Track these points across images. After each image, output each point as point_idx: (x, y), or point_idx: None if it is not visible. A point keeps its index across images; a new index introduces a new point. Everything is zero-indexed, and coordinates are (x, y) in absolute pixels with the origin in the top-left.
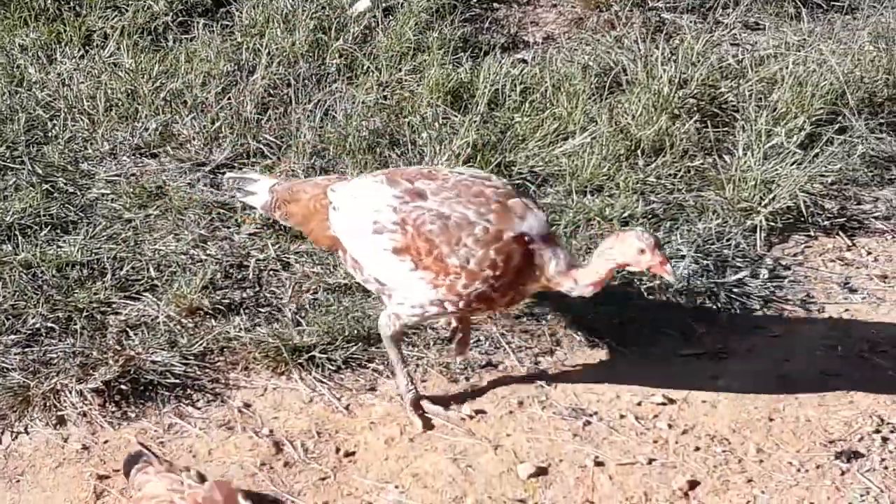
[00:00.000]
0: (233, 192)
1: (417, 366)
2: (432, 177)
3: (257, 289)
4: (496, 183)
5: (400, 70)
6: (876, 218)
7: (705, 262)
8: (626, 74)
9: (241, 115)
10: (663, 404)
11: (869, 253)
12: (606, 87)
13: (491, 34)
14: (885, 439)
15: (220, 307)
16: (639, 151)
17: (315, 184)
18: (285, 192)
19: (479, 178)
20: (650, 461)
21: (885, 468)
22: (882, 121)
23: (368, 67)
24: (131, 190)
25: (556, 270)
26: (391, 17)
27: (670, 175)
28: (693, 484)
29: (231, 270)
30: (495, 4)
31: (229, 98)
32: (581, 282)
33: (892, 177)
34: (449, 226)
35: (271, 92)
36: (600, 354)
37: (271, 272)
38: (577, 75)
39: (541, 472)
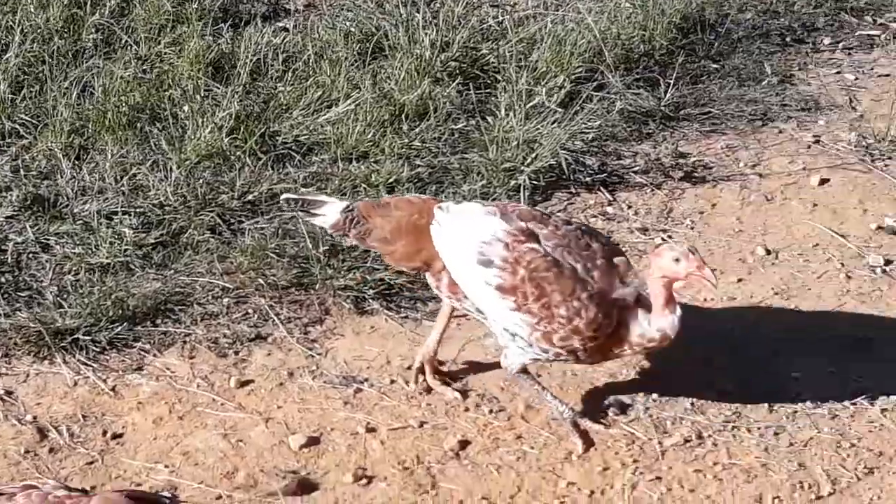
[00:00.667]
0: (295, 212)
1: (185, 343)
2: (544, 221)
3: (16, 273)
4: (602, 239)
5: (159, 43)
6: (635, 172)
7: None
8: (389, 40)
9: None
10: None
11: (629, 207)
12: (369, 53)
13: (251, 3)
14: (648, 389)
15: None
16: (403, 116)
17: (409, 201)
18: (371, 207)
19: (586, 231)
20: (421, 424)
21: (650, 416)
22: (638, 76)
23: (126, 41)
24: None
25: (639, 335)
26: None
27: (435, 138)
28: (464, 444)
29: None
30: None
31: None
32: (659, 320)
33: (650, 131)
34: (564, 274)
35: (26, 70)
36: (370, 321)
37: (31, 255)
38: (339, 42)
39: (313, 441)
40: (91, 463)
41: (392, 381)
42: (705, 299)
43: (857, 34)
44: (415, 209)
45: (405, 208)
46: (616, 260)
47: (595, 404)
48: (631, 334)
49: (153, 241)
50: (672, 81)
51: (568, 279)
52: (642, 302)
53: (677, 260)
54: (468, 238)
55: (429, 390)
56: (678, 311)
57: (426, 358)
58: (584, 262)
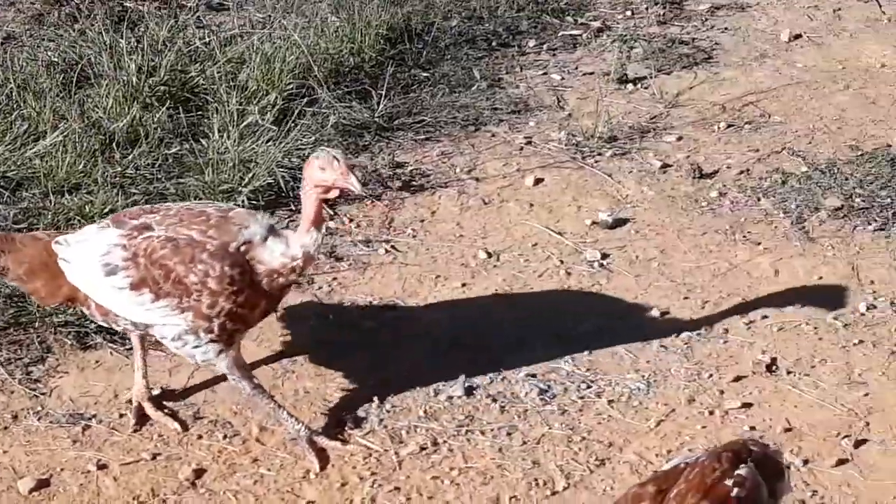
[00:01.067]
0: None
1: None
2: (155, 210)
3: None
4: (219, 205)
5: None
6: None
7: None
8: (94, 68)
9: None
10: (162, 398)
11: (351, 220)
12: (74, 83)
13: None
14: (381, 400)
15: None
16: (114, 144)
17: (34, 238)
18: (3, 241)
19: (203, 203)
20: (154, 456)
21: (384, 427)
22: (349, 89)
23: None
24: None
25: (281, 256)
26: None
27: (148, 165)
28: (199, 472)
29: None
30: None
31: None
32: (301, 238)
33: (366, 143)
34: (179, 246)
35: None
36: (94, 356)
37: None
38: (42, 73)
39: (42, 484)
40: None
41: (121, 416)
42: (431, 306)
43: (559, 35)
44: (40, 247)
45: (31, 246)
46: (232, 213)
47: (330, 420)
48: (272, 262)
49: None
50: (384, 92)
51: (185, 247)
52: (277, 232)
53: (323, 168)
54: (91, 258)
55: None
56: (323, 229)
57: (140, 396)
58: (199, 227)
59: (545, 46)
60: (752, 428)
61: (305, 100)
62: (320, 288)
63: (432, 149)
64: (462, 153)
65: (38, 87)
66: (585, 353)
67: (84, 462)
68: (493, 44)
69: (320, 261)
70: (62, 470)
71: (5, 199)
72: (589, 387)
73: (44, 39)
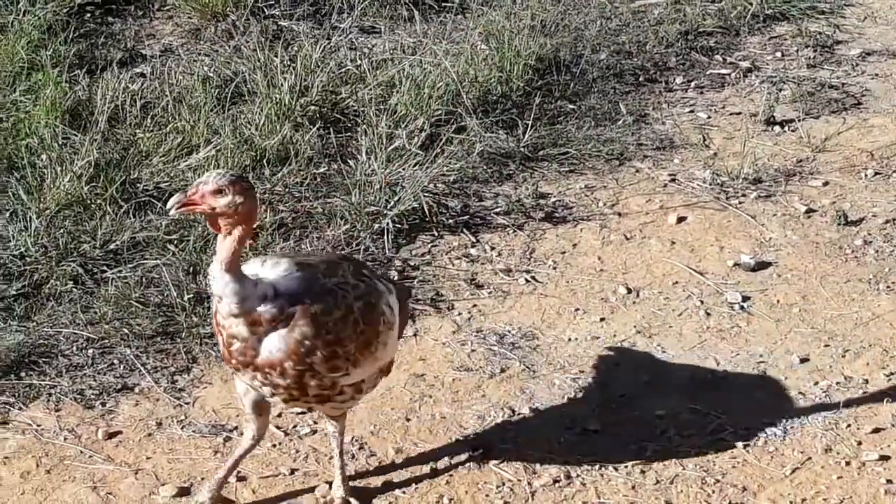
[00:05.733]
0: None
1: (50, 395)
2: None
3: None
4: None
5: (14, 91)
6: (497, 213)
7: None
8: (247, 84)
9: None
10: (302, 413)
11: (493, 248)
12: (228, 98)
13: (107, 49)
14: (516, 430)
15: None
16: (264, 161)
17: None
18: None
19: None
20: (292, 471)
21: (518, 458)
22: (496, 118)
23: None
24: None
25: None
26: (1, 37)
27: (297, 183)
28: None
29: None
30: (110, 18)
31: None
32: (217, 269)
33: (510, 172)
34: None
35: None
36: None
37: None
38: (197, 87)
39: (183, 492)
40: None
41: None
42: (569, 339)
43: (707, 73)
44: None
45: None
46: None
47: (464, 447)
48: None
49: (14, 292)
50: (530, 122)
51: None
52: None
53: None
54: None
55: None
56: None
57: None
58: None
59: (693, 84)
60: (889, 481)
61: (453, 126)
62: (460, 314)
63: (576, 181)
64: (605, 187)
65: (193, 100)
66: (722, 395)
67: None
68: (641, 79)
69: (461, 287)
70: (202, 479)
71: (158, 210)
72: (724, 429)
73: (200, 54)
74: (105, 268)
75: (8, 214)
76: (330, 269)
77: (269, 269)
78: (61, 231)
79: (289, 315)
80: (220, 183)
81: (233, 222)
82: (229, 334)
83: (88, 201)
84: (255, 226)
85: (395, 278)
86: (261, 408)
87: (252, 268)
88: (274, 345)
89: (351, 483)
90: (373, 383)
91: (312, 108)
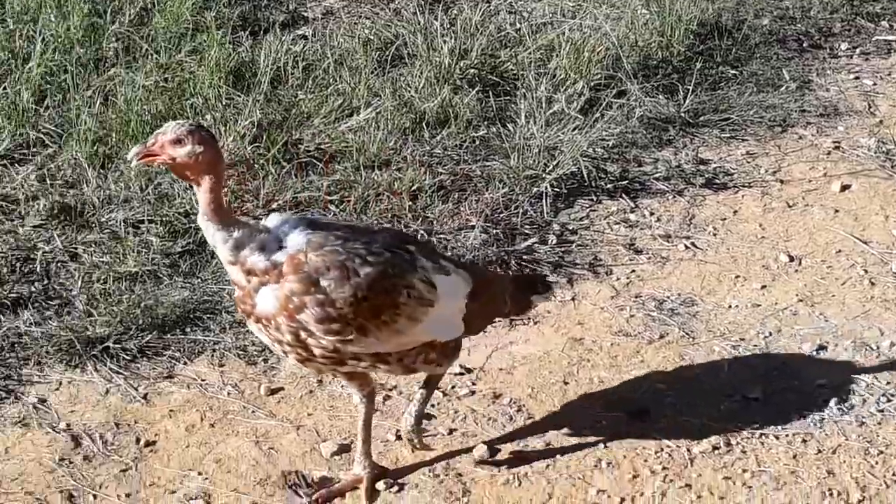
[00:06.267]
0: None
1: (214, 351)
2: None
3: (46, 281)
4: None
5: (179, 51)
6: (657, 179)
7: (495, 230)
8: (407, 47)
9: (17, 105)
10: (461, 374)
11: (651, 213)
12: (388, 61)
13: (270, 11)
14: (676, 396)
15: (8, 302)
16: (424, 124)
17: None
18: None
19: None
20: (450, 431)
21: (677, 423)
22: (657, 83)
23: (147, 50)
24: None
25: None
26: None
27: (456, 146)
28: (494, 451)
29: (17, 264)
30: None
31: (4, 87)
32: (202, 220)
33: (670, 138)
34: None
35: (48, 79)
36: None
37: (59, 264)
38: (358, 50)
39: (343, 449)
40: (125, 470)
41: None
42: (730, 306)
43: (874, 39)
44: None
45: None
46: None
47: (620, 412)
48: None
49: (180, 249)
50: (691, 88)
51: None
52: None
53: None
54: None
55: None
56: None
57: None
58: None
59: (858, 50)
60: None
61: (613, 91)
62: (618, 279)
63: (737, 148)
64: (767, 154)
65: (354, 63)
66: (887, 365)
67: (383, 431)
68: (804, 45)
69: (619, 252)
70: (356, 436)
71: (319, 170)
72: (889, 400)
73: (360, 17)
74: None
75: None
76: (351, 234)
77: (284, 224)
78: (225, 190)
79: (280, 269)
80: (179, 132)
81: (197, 173)
82: (232, 281)
83: (252, 161)
84: (225, 175)
85: (554, 242)
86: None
87: (271, 221)
88: (267, 297)
89: (508, 445)
90: (415, 361)
91: (472, 71)
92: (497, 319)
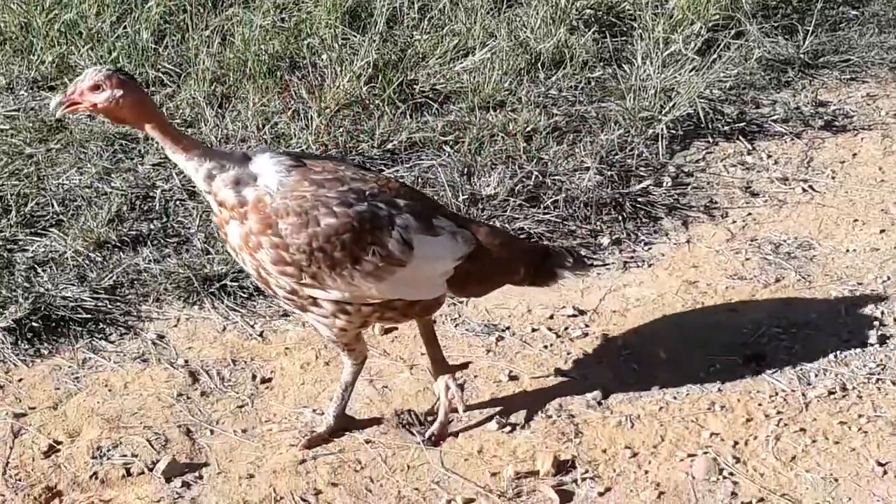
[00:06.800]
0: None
1: None
2: None
3: (164, 220)
4: None
5: None
6: (774, 121)
7: (609, 172)
8: None
9: (137, 44)
10: (574, 316)
11: (769, 156)
12: (504, 2)
13: None
14: (791, 341)
15: (128, 239)
16: (539, 65)
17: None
18: None
19: None
20: (563, 373)
21: (792, 368)
22: (776, 24)
23: None
24: (31, 124)
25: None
26: None
27: (571, 87)
28: (606, 393)
29: (137, 202)
30: None
31: (125, 27)
32: (170, 154)
33: (789, 79)
34: None
35: (167, 19)
36: None
37: (178, 202)
38: None
39: (457, 388)
40: (242, 406)
41: (534, 330)
42: (847, 250)
43: None
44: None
45: None
46: None
47: (736, 354)
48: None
49: None
50: (811, 28)
51: None
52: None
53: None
54: None
55: None
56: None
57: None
58: None
59: None
60: None
61: (731, 32)
62: (734, 222)
63: (857, 89)
64: (888, 96)
65: (470, 3)
66: None
67: (496, 372)
68: None
69: (736, 195)
70: (476, 377)
71: (434, 111)
72: None
73: None
74: (382, 167)
75: (290, 113)
76: (331, 181)
77: (265, 159)
78: (340, 130)
79: (246, 208)
80: (97, 78)
81: (128, 117)
82: (211, 206)
83: (367, 101)
84: (162, 114)
85: (669, 184)
86: None
87: (261, 157)
88: (234, 231)
89: (621, 387)
90: (373, 317)
91: (588, 11)
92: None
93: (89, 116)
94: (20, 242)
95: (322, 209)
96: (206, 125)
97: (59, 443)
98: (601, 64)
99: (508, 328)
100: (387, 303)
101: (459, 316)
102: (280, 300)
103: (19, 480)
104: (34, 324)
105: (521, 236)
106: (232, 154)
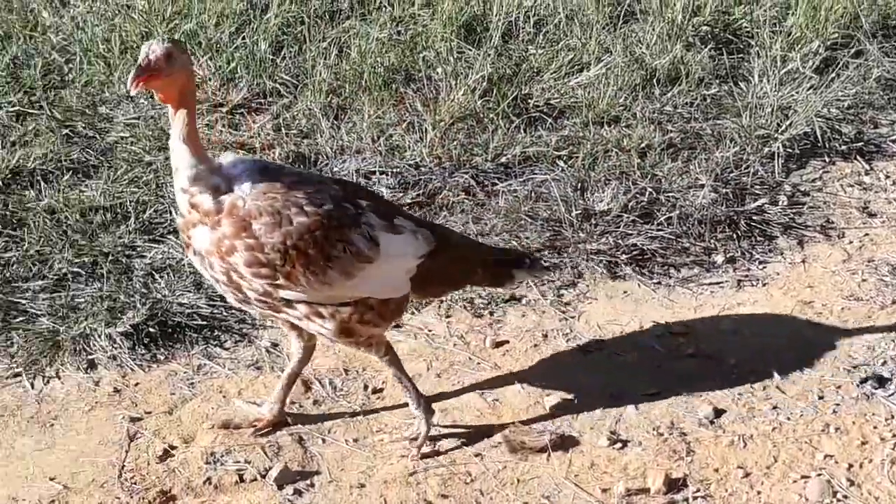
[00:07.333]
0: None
1: (441, 302)
2: None
3: None
4: None
5: (413, 4)
6: (893, 141)
7: (724, 190)
8: (640, 3)
9: (255, 55)
10: (686, 334)
11: (887, 176)
12: (620, 17)
13: None
14: None
15: None
16: (654, 81)
17: None
18: None
19: None
20: (675, 391)
21: None
22: None
23: (381, 3)
24: (150, 133)
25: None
26: None
27: (686, 104)
28: (719, 412)
29: None
30: None
31: (243, 37)
32: (176, 141)
33: None
34: None
35: (285, 30)
36: (622, 286)
37: None
38: (590, 5)
39: (566, 402)
40: (353, 416)
41: (645, 347)
42: None
43: None
44: None
45: None
46: None
47: (852, 376)
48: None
49: (409, 200)
50: None
51: None
52: None
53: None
54: None
55: None
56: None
57: None
58: None
59: None
60: None
61: (851, 50)
62: (850, 243)
63: None
64: None
65: (585, 18)
66: None
67: (607, 388)
68: None
69: (852, 215)
70: (586, 393)
71: (548, 126)
72: None
73: None
74: (496, 181)
75: (405, 125)
76: (298, 184)
77: (235, 165)
78: (455, 143)
79: (220, 214)
80: (167, 47)
81: (184, 88)
82: (177, 206)
83: (481, 115)
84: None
85: (785, 203)
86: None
87: (225, 160)
88: (203, 236)
89: (734, 406)
90: (348, 320)
91: (704, 28)
92: (476, 287)
93: (207, 125)
94: (138, 248)
95: (293, 209)
96: (321, 136)
97: (174, 447)
98: (717, 81)
99: (620, 344)
100: (363, 301)
101: (571, 331)
102: (252, 304)
103: (134, 484)
104: (151, 329)
105: (633, 252)
106: (212, 160)
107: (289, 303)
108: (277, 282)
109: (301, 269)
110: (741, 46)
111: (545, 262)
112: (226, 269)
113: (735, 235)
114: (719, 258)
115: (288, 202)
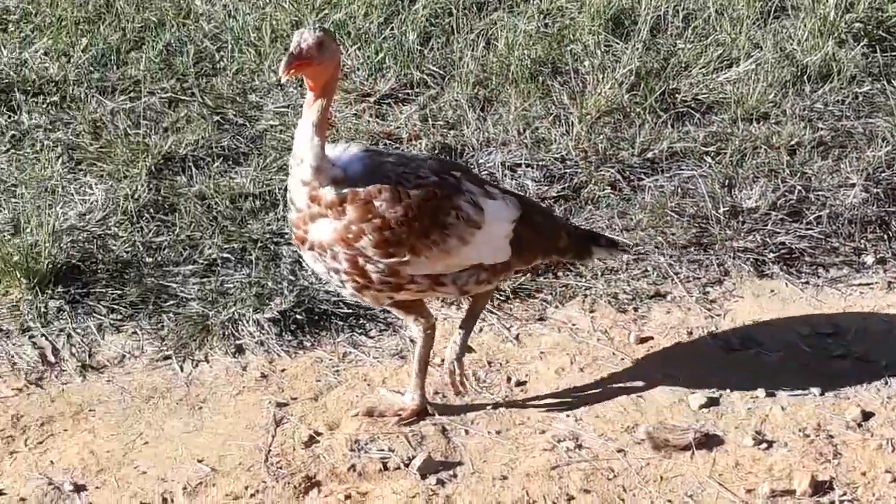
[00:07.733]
0: None
1: (585, 296)
2: None
3: None
4: None
5: None
6: None
7: (875, 189)
8: None
9: (403, 46)
10: (835, 335)
11: None
12: (771, 13)
13: None
14: None
15: None
16: (805, 77)
17: None
18: None
19: None
20: (822, 392)
21: None
22: None
23: None
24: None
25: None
26: None
27: (838, 101)
28: (867, 415)
29: None
30: None
31: (392, 28)
32: (310, 130)
33: None
34: None
35: (433, 21)
36: (769, 284)
37: None
38: (740, 1)
39: (712, 402)
40: (496, 408)
41: (792, 347)
42: None
43: None
44: None
45: None
46: None
47: None
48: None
49: (555, 194)
50: None
51: None
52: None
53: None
54: None
55: None
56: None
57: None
58: None
59: None
60: None
61: None
62: None
63: None
64: None
65: (735, 13)
66: None
67: (753, 387)
68: None
69: None
70: (731, 392)
71: (696, 121)
72: None
73: None
74: (642, 175)
75: (551, 118)
76: (400, 162)
77: (340, 152)
78: (601, 137)
79: (344, 205)
80: (318, 35)
81: (331, 77)
82: (290, 199)
83: (628, 109)
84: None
85: None
86: None
87: (336, 152)
88: (324, 228)
89: (882, 409)
90: (467, 283)
91: (857, 24)
92: (554, 257)
93: (355, 115)
94: (286, 236)
95: (406, 183)
96: (467, 127)
97: (319, 434)
98: (869, 79)
99: (766, 344)
100: (475, 268)
101: (716, 329)
102: (372, 289)
103: (280, 468)
104: (298, 316)
105: (781, 250)
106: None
107: (412, 278)
108: (404, 259)
109: (424, 239)
110: (895, 44)
111: (620, 243)
112: (351, 256)
113: (886, 236)
114: (869, 259)
115: (400, 178)
